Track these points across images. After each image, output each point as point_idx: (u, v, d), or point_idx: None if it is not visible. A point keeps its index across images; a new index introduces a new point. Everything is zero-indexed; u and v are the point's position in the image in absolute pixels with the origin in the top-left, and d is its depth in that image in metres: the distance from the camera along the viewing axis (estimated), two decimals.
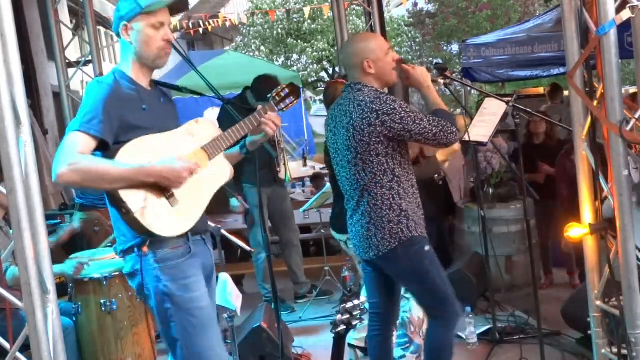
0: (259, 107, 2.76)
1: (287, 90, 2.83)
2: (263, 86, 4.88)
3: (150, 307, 2.59)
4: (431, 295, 3.11)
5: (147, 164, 2.37)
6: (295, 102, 2.84)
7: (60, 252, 4.22)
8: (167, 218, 2.41)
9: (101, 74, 5.73)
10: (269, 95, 2.83)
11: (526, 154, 5.66)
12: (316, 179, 8.46)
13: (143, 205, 2.35)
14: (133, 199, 2.33)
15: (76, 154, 2.27)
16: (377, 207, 3.03)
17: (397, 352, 3.82)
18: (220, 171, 2.63)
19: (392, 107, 2.93)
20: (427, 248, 3.08)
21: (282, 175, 5.28)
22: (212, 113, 10.55)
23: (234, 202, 5.28)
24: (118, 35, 2.54)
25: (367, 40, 3.16)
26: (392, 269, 3.17)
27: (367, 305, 3.22)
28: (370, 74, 3.06)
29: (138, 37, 2.48)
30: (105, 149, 2.36)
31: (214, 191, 2.60)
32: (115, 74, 2.49)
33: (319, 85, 24.86)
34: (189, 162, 2.45)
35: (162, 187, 2.40)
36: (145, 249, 2.45)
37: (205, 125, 2.64)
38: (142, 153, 2.38)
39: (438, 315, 3.13)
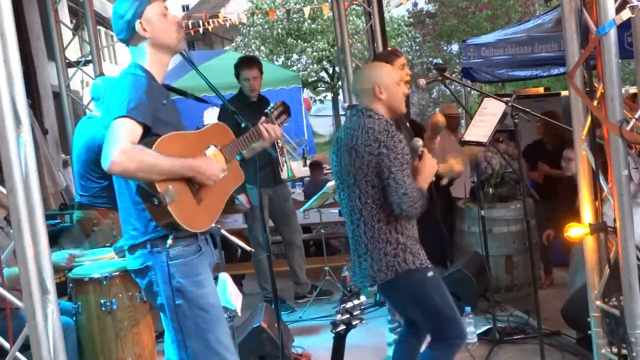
0: (262, 119, 2.91)
1: (281, 108, 3.03)
2: (237, 69, 5.23)
3: (158, 306, 2.61)
4: (435, 321, 3.07)
5: (191, 159, 2.43)
6: (287, 119, 3.09)
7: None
8: (193, 214, 2.46)
9: (101, 74, 5.71)
10: (266, 110, 3.01)
11: (535, 153, 5.74)
12: (314, 167, 8.43)
13: (175, 199, 2.37)
14: (167, 191, 2.36)
15: (130, 141, 2.31)
16: (374, 239, 2.99)
17: (390, 336, 3.81)
18: (235, 174, 2.73)
19: (395, 145, 2.89)
20: (429, 274, 3.02)
21: (284, 175, 5.28)
22: (212, 113, 10.56)
23: (241, 198, 5.26)
24: (126, 40, 2.55)
25: (379, 68, 3.19)
26: (391, 298, 3.15)
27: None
28: (381, 100, 3.04)
29: (156, 28, 2.52)
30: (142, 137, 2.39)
31: (229, 193, 2.68)
32: (138, 70, 2.52)
33: (318, 85, 24.88)
34: (221, 163, 2.57)
35: (191, 183, 2.45)
36: (171, 241, 2.47)
37: (222, 129, 2.72)
38: (176, 148, 2.43)
39: (442, 338, 3.08)
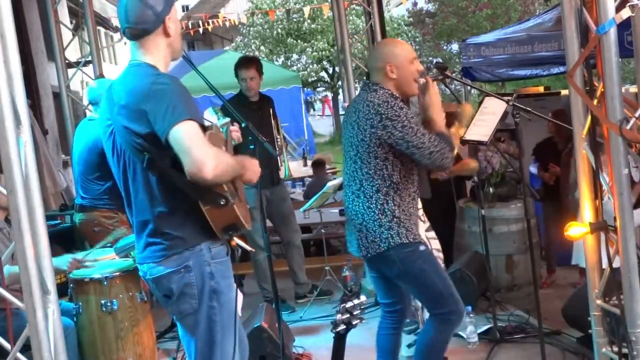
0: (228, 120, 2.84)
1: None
2: (235, 69, 5.29)
3: (181, 311, 2.46)
4: (429, 294, 3.11)
5: (238, 156, 2.41)
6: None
7: (60, 252, 4.21)
8: (243, 211, 2.41)
9: (101, 75, 5.71)
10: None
11: (545, 153, 5.74)
12: (317, 165, 8.39)
13: (234, 197, 2.32)
14: (230, 190, 2.31)
15: (209, 146, 2.22)
16: (370, 210, 3.04)
17: (408, 338, 3.80)
18: None
19: (397, 113, 2.94)
20: (421, 248, 3.07)
21: (281, 173, 5.28)
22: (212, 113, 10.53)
23: None
24: (147, 32, 2.36)
25: (393, 45, 3.19)
26: (385, 270, 3.17)
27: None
28: (392, 79, 3.07)
29: (177, 29, 2.42)
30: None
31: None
32: (158, 70, 2.39)
33: (318, 85, 24.89)
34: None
35: (230, 182, 2.37)
36: (233, 243, 2.46)
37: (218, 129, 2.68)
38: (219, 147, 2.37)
39: (439, 314, 3.12)
